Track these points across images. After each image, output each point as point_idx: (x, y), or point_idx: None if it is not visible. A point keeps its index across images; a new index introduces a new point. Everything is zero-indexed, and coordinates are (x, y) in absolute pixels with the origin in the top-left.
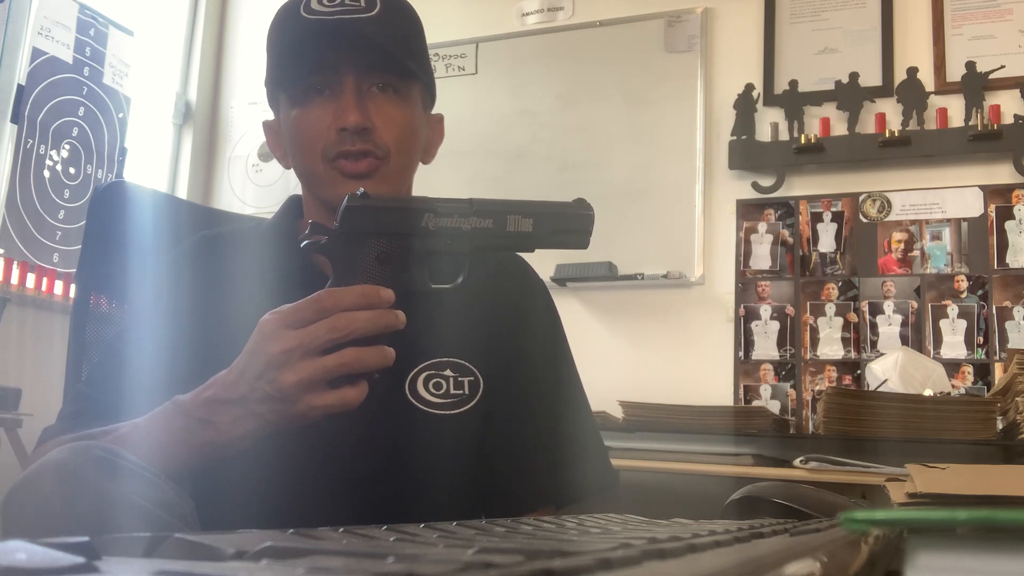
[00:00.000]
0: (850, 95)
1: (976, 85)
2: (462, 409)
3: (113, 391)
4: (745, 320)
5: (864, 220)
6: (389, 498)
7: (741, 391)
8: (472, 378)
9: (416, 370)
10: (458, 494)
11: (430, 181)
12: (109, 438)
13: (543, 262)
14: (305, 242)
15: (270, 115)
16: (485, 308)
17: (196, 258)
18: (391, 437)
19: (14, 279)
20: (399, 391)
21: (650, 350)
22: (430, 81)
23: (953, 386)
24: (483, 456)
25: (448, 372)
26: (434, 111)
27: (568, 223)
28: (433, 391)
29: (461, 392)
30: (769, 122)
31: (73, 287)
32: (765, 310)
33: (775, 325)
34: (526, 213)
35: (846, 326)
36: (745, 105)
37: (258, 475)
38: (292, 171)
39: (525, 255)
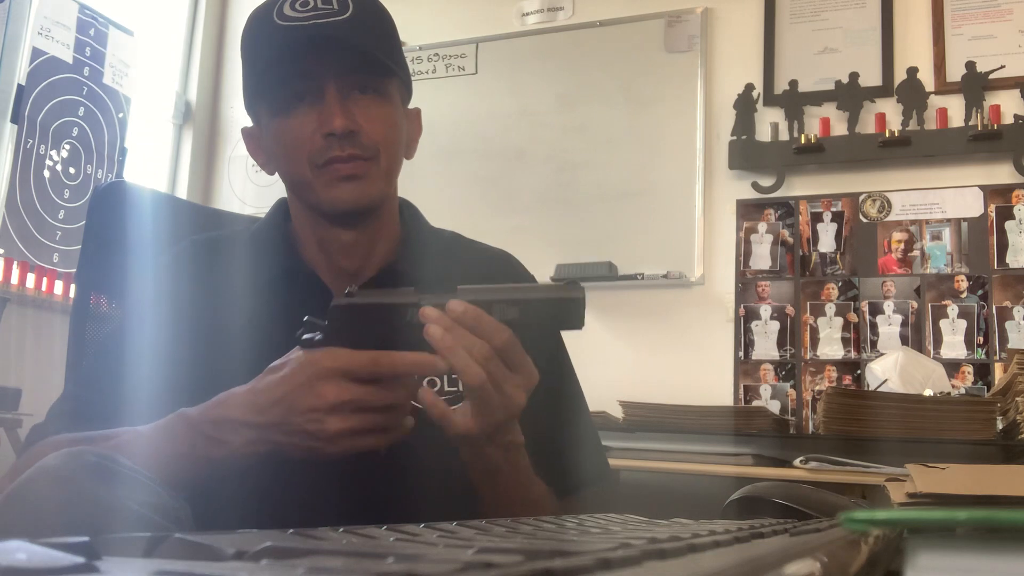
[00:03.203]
0: (850, 95)
1: (976, 85)
2: (456, 406)
3: (106, 392)
4: (745, 320)
5: (864, 220)
6: (383, 494)
7: (741, 391)
8: None
9: None
10: (452, 489)
11: (431, 181)
12: (110, 444)
13: (543, 262)
14: (303, 338)
15: None
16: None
17: (190, 262)
18: None
19: (14, 279)
20: None
21: (650, 350)
22: (407, 77)
23: (953, 386)
24: None
25: None
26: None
27: (557, 309)
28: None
29: (455, 389)
30: (769, 122)
31: (73, 287)
32: (765, 310)
33: (775, 325)
34: (513, 302)
35: (846, 326)
36: (745, 105)
37: (253, 475)
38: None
39: (516, 254)
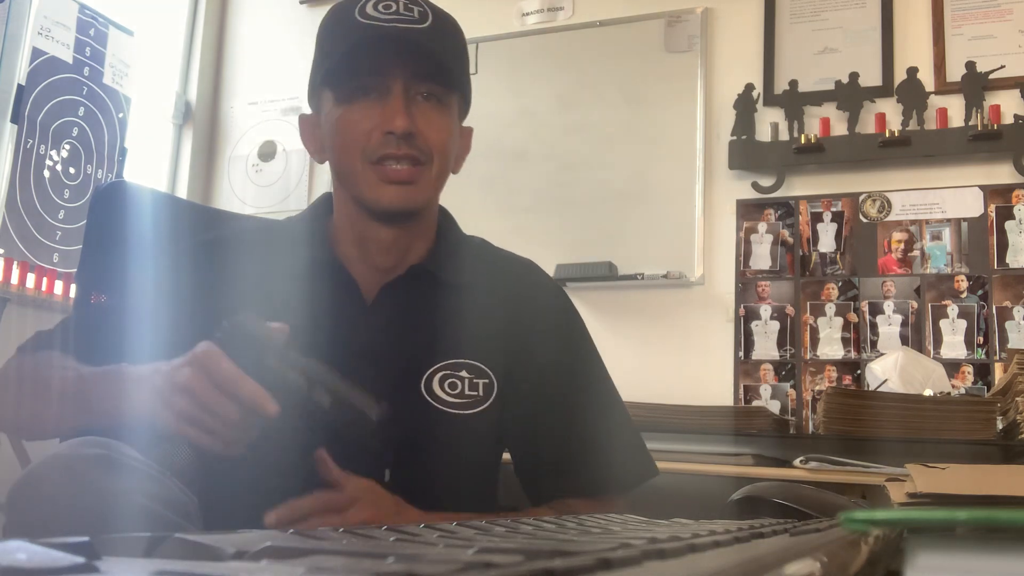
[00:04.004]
0: (850, 95)
1: (976, 85)
2: (476, 410)
3: (103, 345)
4: (745, 320)
5: (864, 220)
6: (405, 495)
7: (741, 391)
8: (487, 380)
9: (432, 369)
10: (473, 492)
11: None
12: (68, 377)
13: (543, 262)
14: (216, 336)
15: (271, 115)
16: (499, 312)
17: (222, 249)
18: (407, 434)
19: (14, 279)
20: (415, 389)
21: (650, 350)
22: (468, 95)
23: (953, 386)
24: (514, 454)
25: (464, 373)
26: None
27: (348, 424)
28: (449, 391)
29: (476, 393)
30: (769, 122)
31: (73, 287)
32: (765, 310)
33: (775, 325)
34: (328, 392)
35: (846, 326)
36: (745, 105)
37: (270, 472)
38: (292, 171)
39: (535, 259)
